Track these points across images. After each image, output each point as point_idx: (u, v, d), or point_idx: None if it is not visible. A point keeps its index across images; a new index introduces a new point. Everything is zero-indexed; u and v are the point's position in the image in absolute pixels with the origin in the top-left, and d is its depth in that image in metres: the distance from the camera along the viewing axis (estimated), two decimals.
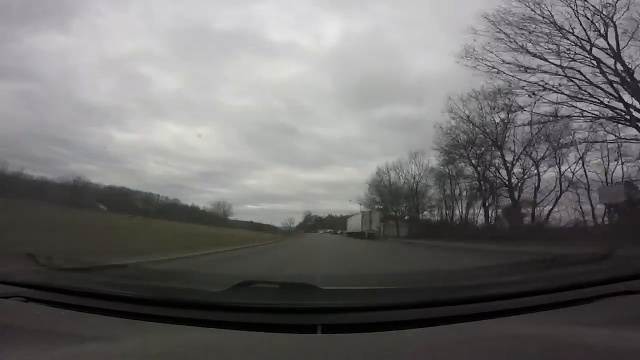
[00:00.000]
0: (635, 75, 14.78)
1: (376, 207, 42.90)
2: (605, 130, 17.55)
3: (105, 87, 76.51)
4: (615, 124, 16.50)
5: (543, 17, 16.20)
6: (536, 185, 24.10)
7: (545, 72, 16.81)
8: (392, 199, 41.89)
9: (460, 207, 33.13)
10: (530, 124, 20.68)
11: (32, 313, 1.22)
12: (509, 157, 25.06)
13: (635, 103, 14.82)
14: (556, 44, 16.10)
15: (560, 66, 16.23)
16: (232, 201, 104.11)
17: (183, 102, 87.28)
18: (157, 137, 76.42)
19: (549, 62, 16.52)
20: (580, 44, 15.78)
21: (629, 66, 14.90)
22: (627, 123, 15.63)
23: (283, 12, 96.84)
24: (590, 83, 15.85)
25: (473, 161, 27.73)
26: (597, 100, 15.93)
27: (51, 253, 2.26)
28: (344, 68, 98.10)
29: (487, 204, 28.25)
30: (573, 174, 22.53)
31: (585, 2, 14.91)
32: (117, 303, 1.28)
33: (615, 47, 15.13)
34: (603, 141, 18.35)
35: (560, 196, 22.93)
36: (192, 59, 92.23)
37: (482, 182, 27.86)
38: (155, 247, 9.76)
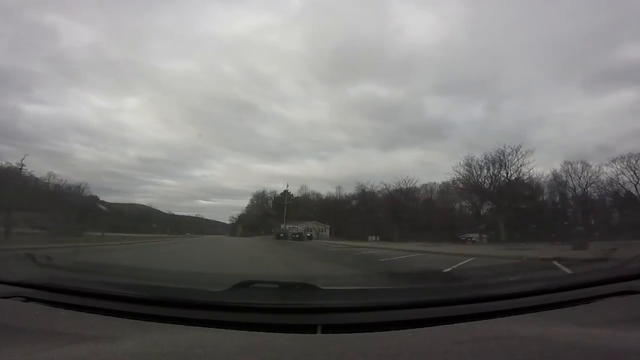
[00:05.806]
0: None
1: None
2: None
3: None
4: None
5: None
6: None
7: None
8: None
9: None
10: None
11: (32, 313, 1.22)
12: None
13: None
14: None
15: None
16: (180, 195, 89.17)
17: (103, 63, 68.63)
18: (76, 110, 62.92)
19: None
20: None
21: None
22: None
23: None
24: None
25: None
26: None
27: None
28: (319, 24, 75.35)
29: None
30: None
31: None
32: (117, 303, 1.28)
33: None
34: None
35: None
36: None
37: None
38: None
